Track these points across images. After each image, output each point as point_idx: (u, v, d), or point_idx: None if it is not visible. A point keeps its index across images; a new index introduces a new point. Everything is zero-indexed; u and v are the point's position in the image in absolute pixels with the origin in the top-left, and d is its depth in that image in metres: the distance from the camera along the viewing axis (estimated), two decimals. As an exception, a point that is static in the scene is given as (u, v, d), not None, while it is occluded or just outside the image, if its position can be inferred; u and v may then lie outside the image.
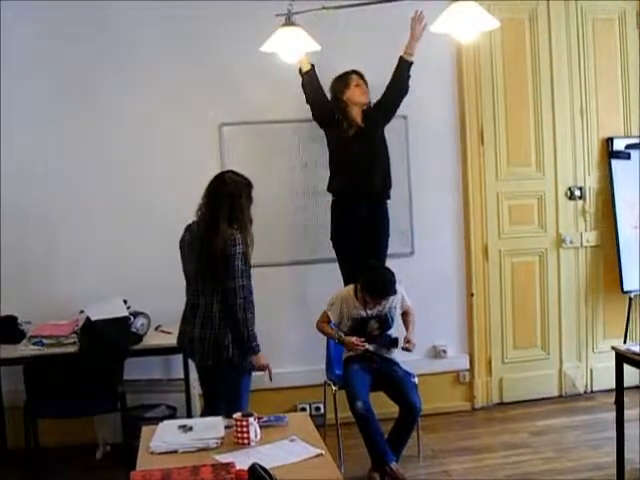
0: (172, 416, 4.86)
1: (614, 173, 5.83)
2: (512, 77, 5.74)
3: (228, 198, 3.94)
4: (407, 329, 4.85)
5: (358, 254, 4.82)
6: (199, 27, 5.25)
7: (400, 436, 4.56)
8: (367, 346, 4.67)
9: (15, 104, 5.09)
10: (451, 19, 3.41)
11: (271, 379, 4.04)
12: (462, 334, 5.80)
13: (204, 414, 4.11)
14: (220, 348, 3.92)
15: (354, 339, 4.66)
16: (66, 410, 4.49)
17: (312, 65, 4.98)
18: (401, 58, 4.96)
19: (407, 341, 4.70)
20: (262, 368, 4.00)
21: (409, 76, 4.97)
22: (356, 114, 5.00)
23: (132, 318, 4.80)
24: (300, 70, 5.01)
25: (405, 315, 4.88)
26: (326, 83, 5.05)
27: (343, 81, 5.02)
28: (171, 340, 4.34)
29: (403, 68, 4.97)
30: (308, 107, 5.11)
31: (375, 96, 5.06)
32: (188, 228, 4.09)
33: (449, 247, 5.73)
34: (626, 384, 4.27)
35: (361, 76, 5.01)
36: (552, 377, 5.95)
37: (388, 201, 5.12)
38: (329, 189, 5.13)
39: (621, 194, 5.82)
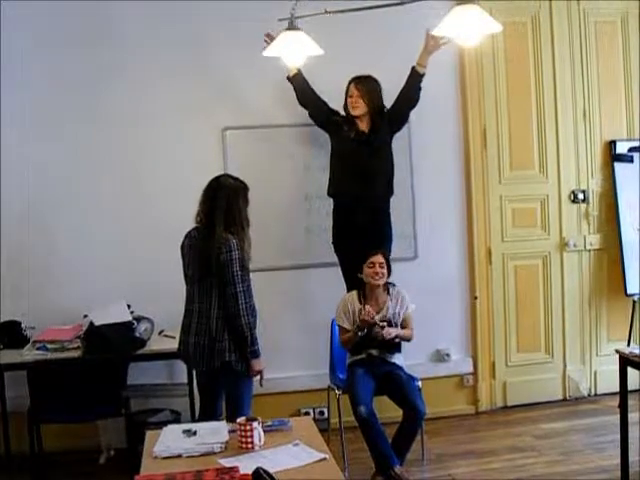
0: (176, 420, 4.86)
1: (617, 176, 5.83)
2: (515, 80, 5.74)
3: (224, 201, 3.94)
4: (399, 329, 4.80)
5: (360, 259, 4.80)
6: (202, 31, 5.26)
7: (404, 440, 4.55)
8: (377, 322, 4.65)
9: (16, 108, 5.09)
10: (454, 23, 3.40)
11: (261, 385, 4.04)
12: (465, 337, 5.79)
13: (199, 420, 4.13)
14: (218, 353, 3.93)
15: (364, 315, 4.60)
16: (70, 415, 4.49)
17: (298, 69, 4.98)
18: (413, 69, 4.94)
19: (382, 327, 4.63)
20: (257, 373, 4.00)
21: (420, 88, 4.96)
22: (360, 120, 5.00)
23: (135, 323, 4.80)
24: (287, 77, 5.02)
25: (402, 327, 4.84)
26: (328, 87, 5.06)
27: (345, 89, 5.01)
28: (174, 345, 4.33)
29: (414, 79, 4.95)
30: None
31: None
32: (188, 234, 4.10)
33: (452, 250, 5.73)
34: (630, 387, 4.26)
35: (358, 84, 4.93)
36: (556, 380, 5.95)
37: (390, 205, 5.12)
38: (329, 193, 5.14)
39: (624, 197, 5.81)
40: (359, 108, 4.96)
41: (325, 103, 5.09)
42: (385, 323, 4.65)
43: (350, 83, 4.98)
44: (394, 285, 4.87)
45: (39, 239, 5.18)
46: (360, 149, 4.96)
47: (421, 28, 4.79)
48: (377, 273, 4.71)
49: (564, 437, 5.22)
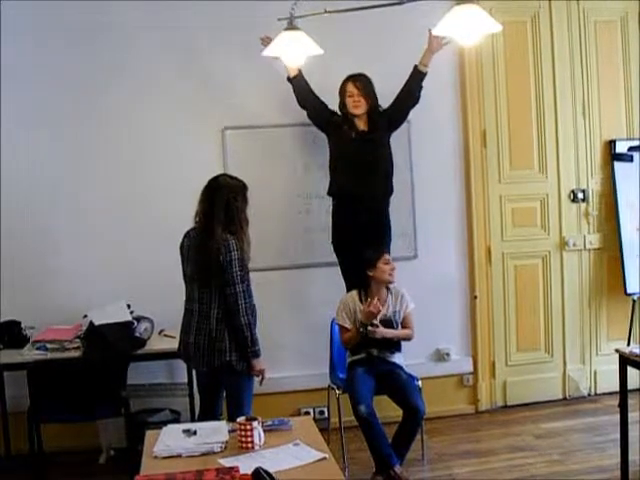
0: (176, 420, 4.87)
1: (617, 175, 5.83)
2: (514, 80, 5.74)
3: (223, 202, 3.94)
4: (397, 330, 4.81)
5: (359, 258, 4.79)
6: (201, 30, 5.26)
7: (404, 439, 4.55)
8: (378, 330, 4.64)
9: (16, 109, 5.09)
10: (453, 22, 3.40)
11: (261, 384, 4.04)
12: (465, 337, 5.79)
13: (199, 419, 4.14)
14: (217, 353, 3.93)
15: (370, 307, 4.57)
16: (70, 415, 4.49)
17: (299, 70, 4.97)
18: (415, 68, 4.94)
19: (376, 325, 4.61)
20: (258, 373, 4.00)
21: (421, 87, 4.96)
22: (358, 119, 5.00)
23: (135, 322, 4.80)
24: (288, 77, 5.01)
25: (403, 325, 4.85)
26: (328, 87, 5.05)
27: (340, 89, 5.00)
28: (174, 344, 4.33)
29: (416, 78, 4.94)
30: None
31: (379, 99, 5.05)
32: (187, 234, 4.10)
33: (452, 250, 5.73)
34: (630, 386, 4.26)
35: (356, 82, 4.93)
36: (556, 380, 5.95)
37: (390, 205, 5.12)
38: (329, 193, 5.13)
39: (624, 196, 5.81)
40: (361, 107, 4.96)
41: (324, 104, 5.08)
42: (378, 323, 4.65)
43: (347, 82, 4.97)
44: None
45: (39, 239, 5.17)
46: (361, 148, 4.95)
47: (420, 28, 4.79)
48: (394, 269, 4.73)
49: (564, 436, 5.22)
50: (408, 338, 4.82)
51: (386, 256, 4.76)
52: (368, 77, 4.98)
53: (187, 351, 4.07)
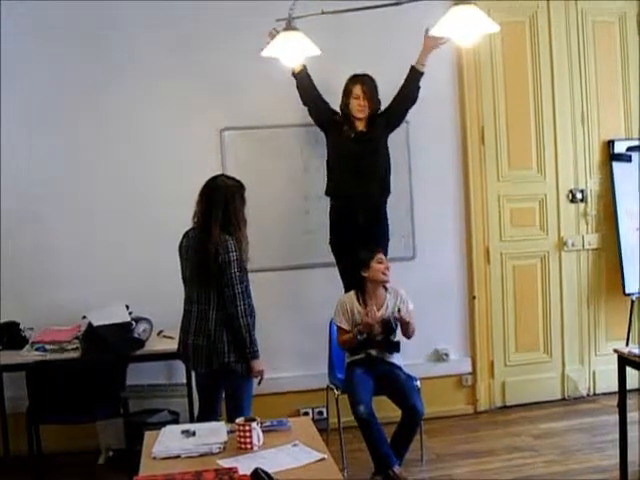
0: (175, 421, 4.86)
1: (615, 175, 5.84)
2: (512, 80, 5.75)
3: (221, 202, 3.95)
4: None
5: (357, 258, 4.79)
6: (200, 31, 5.26)
7: (403, 440, 4.56)
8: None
9: (16, 109, 5.10)
10: (451, 23, 3.40)
11: (259, 384, 4.04)
12: (464, 337, 5.80)
13: (198, 420, 4.14)
14: (216, 355, 3.93)
15: (368, 317, 4.59)
16: (68, 416, 4.48)
17: (304, 66, 4.96)
18: (412, 68, 4.93)
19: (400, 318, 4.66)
20: (258, 374, 4.00)
21: (419, 86, 4.95)
22: (359, 120, 4.99)
23: (134, 323, 4.80)
24: (292, 72, 5.01)
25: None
26: (326, 87, 5.05)
27: (345, 89, 4.98)
28: (173, 345, 4.34)
29: (414, 78, 4.94)
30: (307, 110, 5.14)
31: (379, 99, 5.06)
32: (186, 234, 4.11)
33: (451, 250, 5.73)
34: (628, 386, 4.27)
35: (363, 85, 4.91)
36: (555, 380, 5.95)
37: (388, 205, 5.11)
38: (327, 193, 5.13)
39: (622, 196, 5.82)
40: (365, 111, 4.95)
41: (327, 103, 5.08)
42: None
43: (354, 84, 4.94)
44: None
45: (38, 240, 5.18)
46: (360, 148, 4.95)
47: (418, 28, 4.79)
48: (388, 268, 4.73)
49: (563, 437, 5.22)
50: (412, 327, 4.76)
51: (379, 255, 4.75)
52: (373, 78, 4.96)
53: (186, 352, 4.08)
